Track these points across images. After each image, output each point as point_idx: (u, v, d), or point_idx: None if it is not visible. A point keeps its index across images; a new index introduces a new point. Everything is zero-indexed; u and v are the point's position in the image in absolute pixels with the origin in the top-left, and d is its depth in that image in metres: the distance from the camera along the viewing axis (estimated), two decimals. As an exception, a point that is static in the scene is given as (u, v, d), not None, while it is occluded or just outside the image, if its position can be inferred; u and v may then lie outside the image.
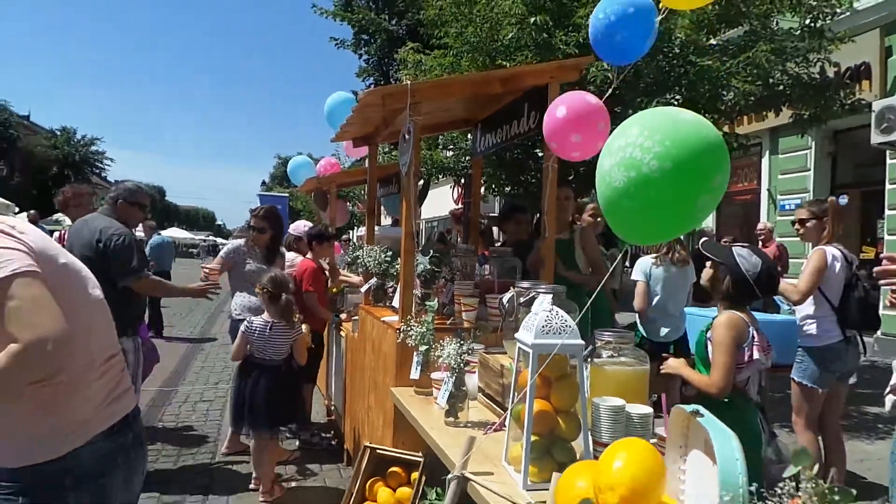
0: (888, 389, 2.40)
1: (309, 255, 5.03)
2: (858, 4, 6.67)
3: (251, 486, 3.88)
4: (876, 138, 8.42)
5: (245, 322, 3.86)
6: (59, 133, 38.05)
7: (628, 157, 1.64)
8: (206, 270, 4.26)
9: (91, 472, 1.48)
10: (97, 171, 40.95)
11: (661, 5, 2.56)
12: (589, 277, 3.91)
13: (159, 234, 10.60)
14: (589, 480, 1.15)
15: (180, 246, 46.98)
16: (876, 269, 2.08)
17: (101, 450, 1.51)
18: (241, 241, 4.65)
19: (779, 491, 0.89)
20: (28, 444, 1.42)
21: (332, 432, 5.01)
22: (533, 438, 1.65)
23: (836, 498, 0.76)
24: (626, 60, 2.74)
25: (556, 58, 5.57)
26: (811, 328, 3.56)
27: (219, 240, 58.28)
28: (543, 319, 1.69)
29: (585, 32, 5.61)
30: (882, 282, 2.05)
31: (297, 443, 4.81)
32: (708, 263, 2.65)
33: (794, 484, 0.89)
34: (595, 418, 1.72)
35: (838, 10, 5.98)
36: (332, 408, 5.22)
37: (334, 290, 5.43)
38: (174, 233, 45.21)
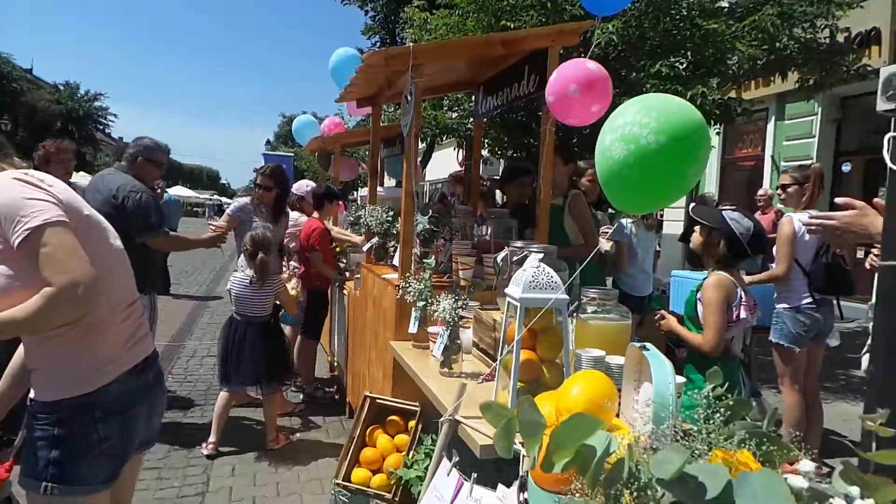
0: (864, 349, 2.52)
1: (315, 215, 5.13)
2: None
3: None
4: (882, 105, 8.32)
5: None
6: (62, 88, 37.76)
7: (628, 132, 1.81)
8: (213, 227, 4.34)
9: (118, 407, 1.62)
10: (101, 126, 40.77)
11: None
12: (578, 249, 3.96)
13: (166, 192, 10.69)
14: (552, 405, 1.28)
15: (184, 205, 47.10)
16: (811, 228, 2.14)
17: (127, 386, 1.65)
18: (247, 200, 4.72)
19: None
20: (63, 379, 1.56)
21: (335, 387, 5.19)
22: (519, 385, 1.77)
23: (739, 408, 0.87)
24: (609, 11, 2.85)
25: (561, 18, 5.55)
26: (784, 290, 3.70)
27: (224, 199, 58.28)
28: (531, 275, 1.80)
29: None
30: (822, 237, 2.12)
31: (302, 396, 5.00)
32: (697, 228, 2.74)
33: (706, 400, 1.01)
34: (577, 368, 1.85)
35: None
36: (335, 363, 5.40)
37: (337, 249, 5.55)
38: (179, 191, 45.19)
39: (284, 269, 4.91)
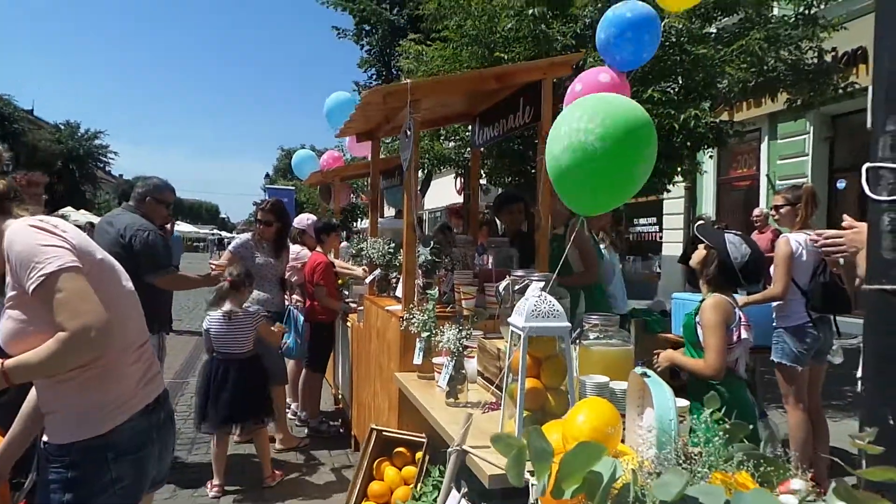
0: (859, 372, 2.51)
1: (319, 249, 5.19)
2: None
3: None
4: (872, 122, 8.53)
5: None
6: (62, 127, 38.18)
7: (575, 140, 1.87)
8: (213, 266, 4.39)
9: (131, 447, 1.65)
10: (101, 164, 41.10)
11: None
12: (579, 277, 3.99)
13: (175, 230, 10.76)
14: (559, 433, 1.31)
15: (185, 240, 47.23)
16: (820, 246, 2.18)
17: (139, 426, 1.67)
18: (248, 236, 4.76)
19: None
20: (76, 421, 1.59)
21: (340, 420, 5.18)
22: (525, 414, 1.80)
23: (736, 430, 0.90)
24: (631, 67, 2.98)
25: (553, 48, 5.68)
26: (783, 310, 3.73)
27: (224, 233, 58.46)
28: (533, 304, 1.84)
29: (582, 23, 5.75)
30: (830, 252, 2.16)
31: (306, 430, 4.99)
32: (701, 246, 2.76)
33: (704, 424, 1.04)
34: (582, 394, 1.87)
35: (833, -2, 6.06)
36: (340, 396, 5.40)
37: (340, 282, 5.59)
38: (179, 227, 45.36)
39: (287, 302, 4.94)
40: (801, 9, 5.95)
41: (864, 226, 1.82)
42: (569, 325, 1.84)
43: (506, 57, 5.81)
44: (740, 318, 2.58)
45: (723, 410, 1.20)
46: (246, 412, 3.85)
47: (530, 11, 5.58)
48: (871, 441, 0.67)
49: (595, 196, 1.95)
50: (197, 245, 53.04)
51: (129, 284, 1.74)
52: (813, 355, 3.69)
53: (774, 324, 3.75)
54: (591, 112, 1.86)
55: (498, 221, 6.13)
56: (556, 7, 5.86)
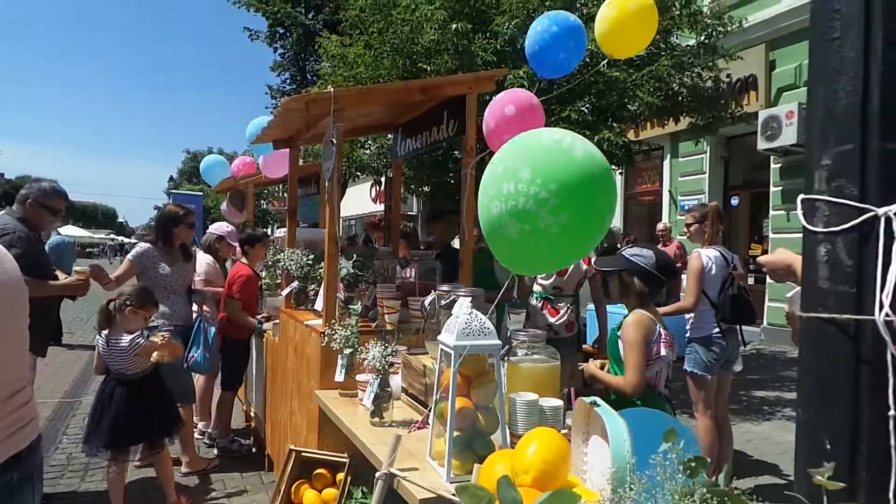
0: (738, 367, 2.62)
1: (244, 260, 4.94)
2: (746, 22, 7.29)
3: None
4: (762, 144, 9.26)
5: None
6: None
7: (522, 207, 1.55)
8: (77, 272, 3.96)
9: None
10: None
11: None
12: (505, 293, 4.03)
13: (58, 233, 9.95)
14: (507, 465, 1.28)
15: (77, 245, 43.81)
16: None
17: None
18: (149, 245, 4.41)
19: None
20: None
21: (252, 438, 4.95)
22: (455, 434, 1.76)
23: (693, 465, 0.91)
24: (556, 74, 3.06)
25: (474, 63, 5.75)
26: (695, 322, 3.95)
27: (123, 238, 54.91)
28: (464, 322, 1.81)
29: (502, 40, 5.87)
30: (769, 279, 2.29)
31: (216, 451, 4.72)
32: (610, 279, 2.84)
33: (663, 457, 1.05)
34: (512, 412, 1.86)
35: (730, 28, 6.53)
36: (252, 413, 5.15)
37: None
38: (71, 231, 42.04)
39: (195, 314, 4.67)
40: (703, 38, 6.37)
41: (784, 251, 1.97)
42: (500, 342, 1.83)
43: (428, 68, 5.82)
44: (661, 333, 2.63)
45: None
46: (132, 436, 3.53)
47: (453, 26, 5.63)
48: (830, 476, 0.69)
49: (539, 265, 1.78)
50: (90, 251, 49.40)
51: (21, 313, 1.47)
52: (721, 364, 3.91)
53: (687, 335, 3.94)
54: (542, 174, 1.53)
55: (420, 232, 6.11)
56: (478, 23, 5.95)
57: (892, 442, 0.74)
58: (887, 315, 0.74)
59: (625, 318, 2.71)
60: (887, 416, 0.76)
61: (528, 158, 1.61)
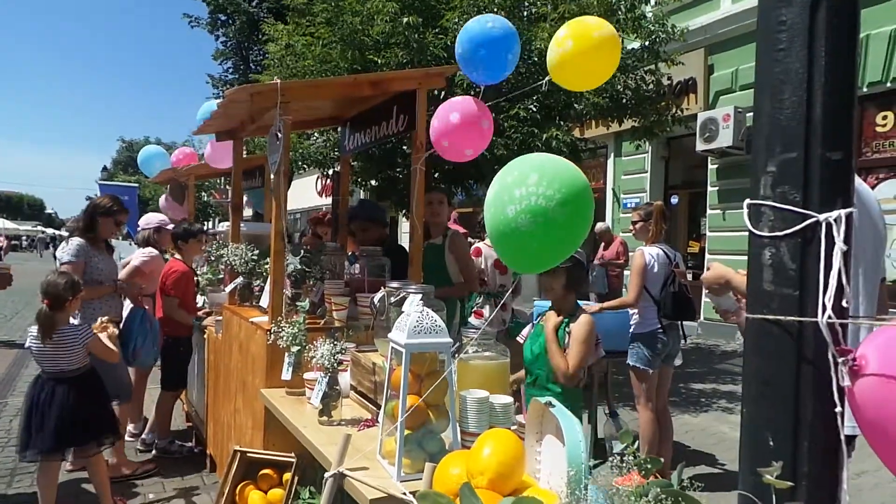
0: (739, 332, 2.85)
1: (178, 256, 4.75)
2: (686, 29, 7.53)
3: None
4: (700, 146, 9.62)
5: None
6: None
7: (534, 204, 1.84)
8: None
9: None
10: None
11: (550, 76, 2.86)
12: (456, 289, 4.06)
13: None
14: (462, 467, 1.28)
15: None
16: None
17: None
18: (81, 240, 4.18)
19: (609, 465, 1.08)
20: None
21: (193, 439, 4.79)
22: (406, 432, 1.75)
23: (649, 466, 0.94)
24: (491, 81, 3.01)
25: (425, 58, 5.73)
26: (638, 318, 4.06)
27: (51, 230, 52.10)
28: (415, 320, 1.80)
29: (453, 36, 5.86)
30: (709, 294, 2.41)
31: (154, 451, 4.55)
32: (557, 274, 2.92)
33: (619, 458, 1.08)
34: (462, 410, 1.87)
35: (673, 37, 6.74)
36: (193, 413, 4.99)
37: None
38: (-8, 221, 39.58)
39: (128, 306, 4.48)
40: (647, 42, 6.54)
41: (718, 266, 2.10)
42: (450, 340, 1.83)
43: (379, 61, 5.76)
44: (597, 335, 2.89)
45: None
46: (79, 436, 3.36)
47: (405, 20, 5.58)
48: (779, 476, 0.72)
49: (542, 260, 1.97)
50: (15, 244, 46.62)
51: None
52: (663, 359, 4.04)
53: (630, 330, 4.05)
54: (549, 178, 1.86)
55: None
56: (429, 18, 5.92)
57: (842, 436, 0.77)
58: (829, 317, 0.77)
59: (576, 317, 2.79)
60: (827, 412, 0.80)
61: (533, 166, 1.92)
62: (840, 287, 0.78)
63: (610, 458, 0.94)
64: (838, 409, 0.77)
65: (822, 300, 0.78)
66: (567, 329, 2.80)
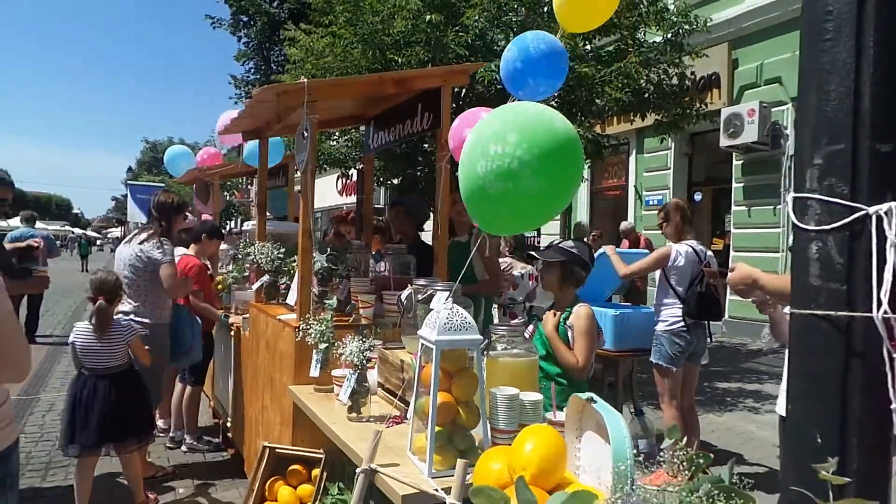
0: (766, 329, 2.78)
1: (190, 251, 4.77)
2: (710, 21, 7.42)
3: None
4: (724, 142, 9.48)
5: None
6: None
7: (507, 167, 1.68)
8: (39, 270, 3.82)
9: None
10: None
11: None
12: (482, 286, 4.07)
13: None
14: (503, 462, 1.28)
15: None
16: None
17: None
18: (167, 239, 4.21)
19: (657, 460, 1.07)
20: None
21: (220, 436, 4.85)
22: (436, 429, 1.76)
23: (701, 461, 0.93)
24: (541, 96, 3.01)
25: (446, 56, 5.73)
26: (662, 315, 4.04)
27: (78, 230, 53.02)
28: (445, 317, 1.81)
29: (474, 33, 5.86)
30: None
31: (183, 448, 4.62)
32: (546, 274, 2.94)
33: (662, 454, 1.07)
34: (492, 407, 1.86)
35: (696, 27, 6.65)
36: (219, 409, 5.05)
37: (219, 287, 5.24)
38: (18, 223, 40.29)
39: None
40: (670, 35, 6.47)
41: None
42: (480, 337, 1.83)
43: (399, 60, 5.78)
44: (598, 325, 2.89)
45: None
46: (119, 432, 3.42)
47: (427, 18, 5.59)
48: (835, 471, 0.71)
49: (513, 223, 1.87)
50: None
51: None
52: (688, 357, 4.00)
53: (655, 328, 4.03)
54: (528, 139, 1.67)
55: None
56: (449, 15, 5.92)
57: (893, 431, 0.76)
58: (885, 312, 0.76)
59: (573, 309, 2.79)
60: (876, 408, 0.78)
61: (515, 123, 1.75)
62: (895, 281, 0.76)
63: (659, 455, 0.94)
64: (894, 404, 0.75)
65: (876, 295, 0.77)
66: (567, 324, 2.79)
